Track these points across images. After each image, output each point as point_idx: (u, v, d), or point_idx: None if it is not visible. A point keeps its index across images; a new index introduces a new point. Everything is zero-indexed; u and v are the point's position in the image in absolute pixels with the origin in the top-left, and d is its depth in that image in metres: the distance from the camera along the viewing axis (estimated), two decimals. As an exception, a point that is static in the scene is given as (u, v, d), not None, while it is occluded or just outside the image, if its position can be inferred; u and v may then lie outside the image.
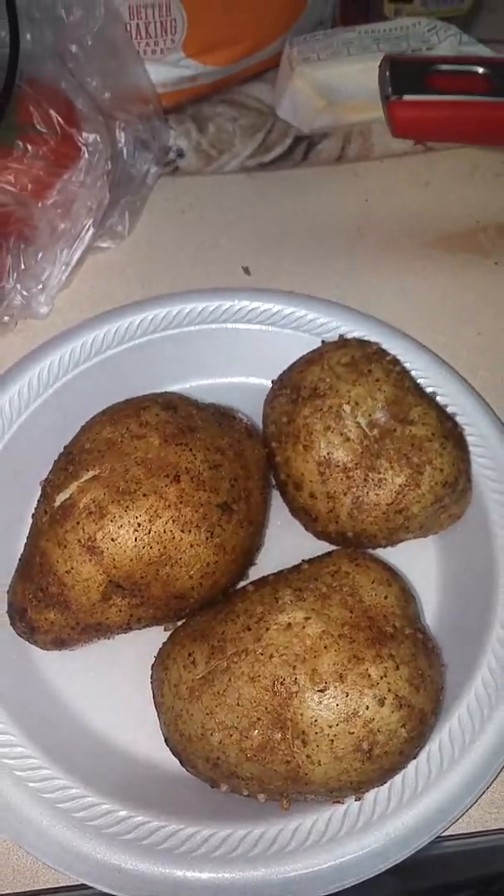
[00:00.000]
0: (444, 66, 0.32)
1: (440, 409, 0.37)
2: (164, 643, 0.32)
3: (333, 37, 0.53)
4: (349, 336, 0.41)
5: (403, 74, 0.33)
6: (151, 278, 0.48)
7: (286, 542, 0.37)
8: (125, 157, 0.48)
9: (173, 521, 0.30)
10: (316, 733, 0.27)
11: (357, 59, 0.51)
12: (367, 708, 0.27)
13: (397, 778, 0.29)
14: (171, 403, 0.33)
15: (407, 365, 0.39)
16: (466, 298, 0.47)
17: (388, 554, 0.37)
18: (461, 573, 0.37)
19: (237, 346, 0.42)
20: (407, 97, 0.32)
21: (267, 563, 0.36)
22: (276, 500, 0.38)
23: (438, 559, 0.38)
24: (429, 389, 0.39)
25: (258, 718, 0.28)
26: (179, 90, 0.53)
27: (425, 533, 0.37)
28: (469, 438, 0.38)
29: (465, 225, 0.51)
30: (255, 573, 0.35)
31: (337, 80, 0.51)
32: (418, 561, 0.37)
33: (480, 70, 0.32)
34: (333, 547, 0.36)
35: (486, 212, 0.51)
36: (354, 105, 0.51)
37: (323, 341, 0.39)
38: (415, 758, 0.29)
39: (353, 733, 0.27)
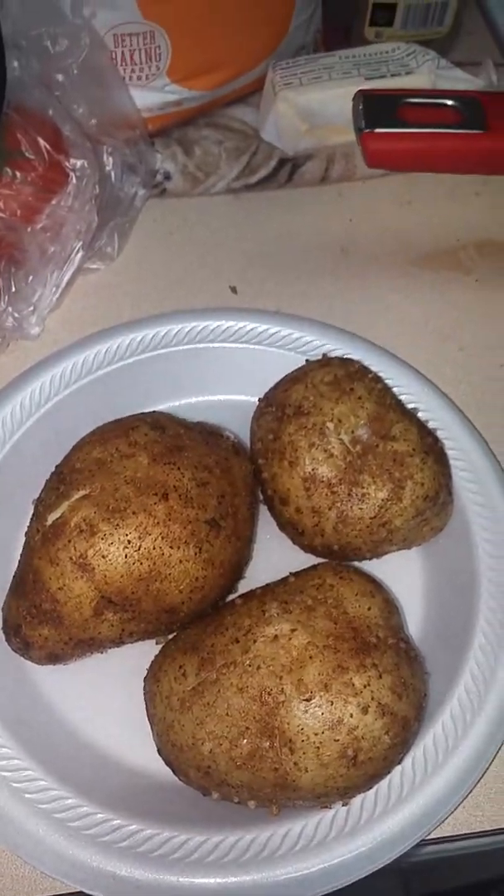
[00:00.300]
0: (415, 100, 0.33)
1: (421, 425, 0.38)
2: (156, 656, 0.33)
3: (315, 62, 0.55)
4: (333, 354, 0.42)
5: (376, 108, 0.35)
6: (140, 298, 0.49)
7: (274, 556, 0.38)
8: (113, 181, 0.50)
9: (162, 537, 0.31)
10: (303, 741, 0.28)
11: (338, 83, 0.53)
12: (352, 716, 0.28)
13: (383, 783, 0.30)
14: (159, 423, 0.34)
15: (389, 382, 0.40)
16: (448, 315, 0.49)
17: (373, 566, 0.38)
18: (444, 584, 0.38)
19: (224, 365, 0.43)
20: (379, 130, 0.33)
21: (255, 576, 0.37)
22: (265, 515, 0.39)
23: (422, 570, 0.39)
24: (410, 405, 0.40)
25: (247, 728, 0.29)
26: (165, 114, 0.54)
27: (409, 545, 0.38)
28: (450, 452, 0.39)
29: (446, 243, 0.52)
30: (244, 586, 0.36)
31: (319, 105, 0.53)
32: (403, 572, 0.38)
33: (450, 103, 0.34)
34: (320, 560, 0.36)
35: (466, 230, 0.52)
36: (336, 128, 0.53)
37: (307, 360, 0.40)
38: (399, 763, 0.30)
39: (338, 740, 0.28)
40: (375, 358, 0.42)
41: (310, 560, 0.36)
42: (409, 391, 0.41)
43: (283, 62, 0.55)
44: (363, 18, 0.59)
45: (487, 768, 0.32)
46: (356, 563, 0.37)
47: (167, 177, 0.54)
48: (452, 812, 0.31)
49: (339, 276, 0.50)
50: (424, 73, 0.52)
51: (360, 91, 0.36)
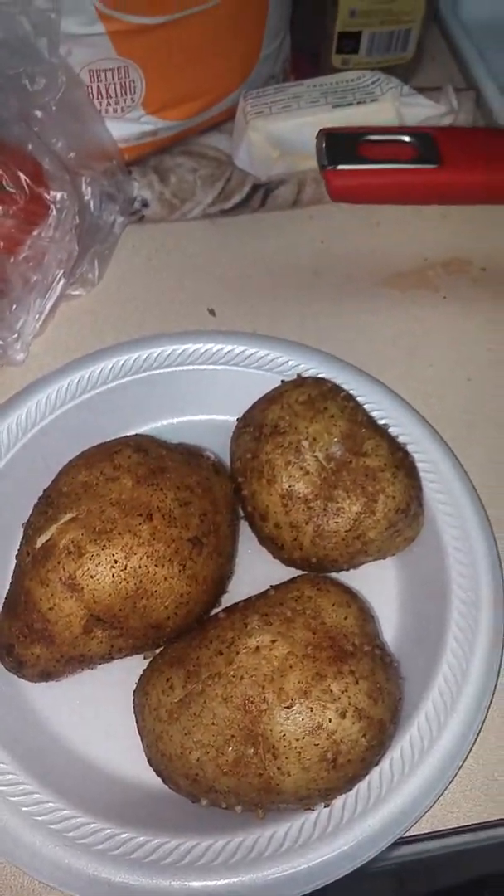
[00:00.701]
0: (374, 137, 0.35)
1: (392, 441, 0.40)
2: (144, 670, 0.34)
3: (284, 91, 0.57)
4: (307, 374, 0.44)
5: (337, 146, 0.36)
6: (122, 323, 0.51)
7: (255, 570, 0.40)
8: (92, 210, 0.51)
9: (147, 556, 0.33)
10: (285, 746, 0.30)
11: (306, 112, 0.55)
12: (330, 721, 0.30)
13: (363, 784, 0.32)
14: (142, 446, 0.36)
15: (361, 399, 0.42)
16: (418, 333, 0.51)
17: (350, 577, 0.39)
18: (418, 591, 0.39)
19: (204, 386, 0.45)
20: (341, 167, 0.35)
21: (238, 590, 0.38)
22: (246, 531, 0.40)
23: (397, 579, 0.40)
24: (382, 422, 0.42)
25: (232, 736, 0.30)
26: (141, 144, 0.56)
27: (384, 555, 0.40)
28: (420, 465, 0.41)
29: (414, 262, 0.54)
30: (227, 600, 0.37)
31: (288, 132, 0.55)
32: (379, 582, 0.40)
33: (407, 139, 0.35)
34: (300, 572, 0.38)
35: (433, 250, 0.54)
36: (306, 154, 0.55)
37: (283, 380, 0.42)
38: (377, 764, 0.32)
39: (318, 745, 0.30)
40: (347, 376, 0.44)
41: (290, 573, 0.38)
42: (380, 408, 0.43)
43: (254, 92, 0.57)
44: (330, 47, 0.62)
45: (461, 766, 0.33)
46: (334, 575, 0.39)
47: (145, 204, 0.56)
48: (429, 809, 0.32)
49: (313, 296, 0.52)
50: (388, 100, 0.55)
51: (322, 130, 0.38)
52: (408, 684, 0.35)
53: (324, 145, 0.37)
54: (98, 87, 0.52)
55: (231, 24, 0.53)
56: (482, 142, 0.36)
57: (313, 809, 0.32)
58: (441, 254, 0.54)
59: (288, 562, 0.39)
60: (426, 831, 0.33)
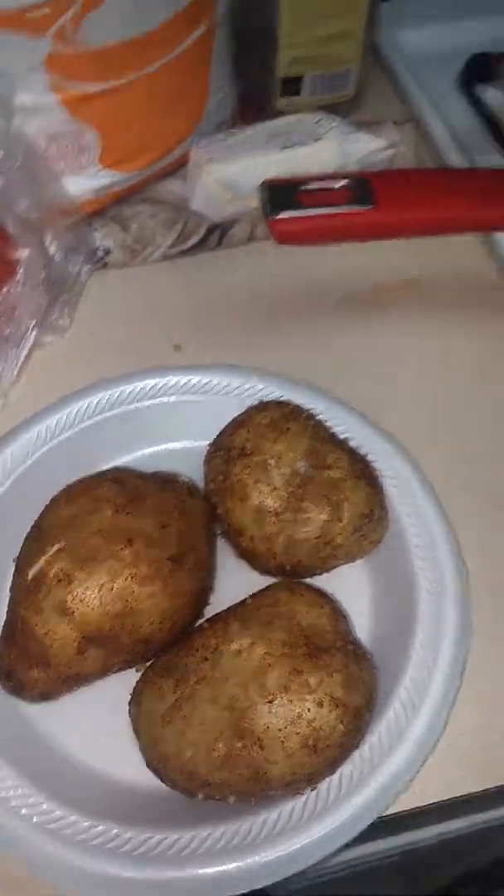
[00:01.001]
0: (311, 185, 0.38)
1: (353, 453, 0.43)
2: (137, 682, 0.37)
3: (233, 136, 0.61)
4: (270, 398, 0.47)
5: (279, 195, 0.40)
6: (94, 365, 0.53)
7: (235, 581, 0.42)
8: (58, 262, 0.55)
9: (132, 577, 0.36)
10: (269, 737, 0.33)
11: (255, 154, 0.59)
12: (309, 710, 0.33)
13: (345, 767, 0.35)
14: (120, 478, 0.39)
15: (322, 417, 0.46)
16: (374, 350, 0.54)
17: (324, 580, 0.42)
18: (389, 588, 0.42)
19: (175, 416, 0.48)
20: (283, 215, 0.38)
21: (220, 600, 0.41)
22: (224, 546, 0.43)
23: (369, 579, 0.44)
24: (343, 436, 0.45)
25: (221, 732, 0.33)
26: (100, 197, 0.60)
27: (353, 558, 0.43)
28: (382, 472, 0.44)
29: (366, 286, 0.58)
30: (210, 611, 0.40)
31: (239, 175, 0.59)
32: (351, 582, 0.43)
33: (342, 183, 0.39)
34: (276, 580, 0.41)
35: (383, 273, 0.58)
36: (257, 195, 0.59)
37: (248, 406, 0.45)
38: (356, 748, 0.35)
39: (299, 733, 0.33)
40: (309, 397, 0.47)
41: (267, 581, 0.41)
42: (341, 424, 0.46)
43: (205, 139, 0.61)
44: (274, 92, 0.66)
45: (434, 747, 0.36)
46: (309, 580, 0.42)
47: (107, 252, 0.60)
48: (407, 788, 0.35)
49: (272, 325, 0.56)
50: (332, 139, 0.59)
51: (264, 181, 0.41)
52: (382, 674, 0.38)
53: (266, 196, 0.40)
54: (55, 149, 0.56)
55: (177, 82, 0.58)
56: (413, 182, 0.40)
57: (301, 793, 0.34)
58: (391, 276, 0.58)
59: (265, 571, 0.42)
60: (403, 809, 0.36)
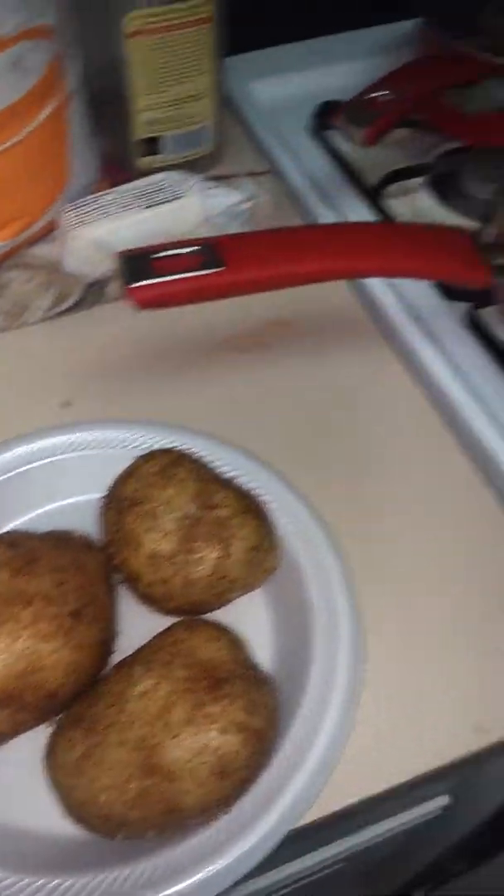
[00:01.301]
0: (164, 253, 0.41)
1: (238, 490, 0.46)
2: (49, 736, 0.38)
3: (100, 199, 0.64)
4: (157, 446, 0.49)
5: (134, 265, 0.43)
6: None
7: (138, 625, 0.44)
8: None
9: (33, 636, 0.37)
10: (179, 769, 0.35)
11: (121, 215, 0.62)
12: (213, 739, 0.35)
13: (257, 787, 0.37)
14: (15, 542, 0.40)
15: (209, 458, 0.48)
16: (251, 389, 0.57)
17: (224, 612, 0.45)
18: (287, 612, 0.45)
19: (66, 474, 0.50)
20: (139, 283, 0.41)
21: (126, 646, 0.42)
22: (126, 593, 0.45)
23: (267, 605, 0.46)
24: (230, 474, 0.48)
25: (132, 773, 0.35)
26: (-28, 268, 0.61)
27: (250, 589, 0.45)
28: (270, 505, 0.47)
29: (238, 329, 0.61)
30: (118, 657, 0.41)
31: (107, 236, 0.61)
32: (251, 611, 0.46)
33: (192, 249, 0.42)
34: (178, 618, 0.43)
35: (254, 316, 0.62)
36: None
37: (137, 456, 0.47)
38: (264, 767, 0.37)
39: (206, 762, 0.35)
40: (195, 441, 0.50)
41: (170, 620, 0.43)
42: (228, 463, 0.49)
43: (73, 202, 0.64)
44: (135, 152, 0.69)
45: (339, 756, 0.39)
46: (210, 615, 0.44)
47: (-15, 320, 0.61)
48: (316, 798, 0.38)
49: (156, 374, 0.58)
50: (194, 195, 0.62)
51: (118, 253, 0.44)
52: (286, 692, 0.40)
53: (123, 266, 0.43)
54: None
55: (38, 153, 0.60)
56: (259, 241, 0.43)
57: (217, 818, 0.36)
58: (262, 319, 0.62)
59: (165, 612, 0.44)
60: (318, 817, 0.39)
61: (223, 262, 0.41)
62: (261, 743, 0.36)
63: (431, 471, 0.54)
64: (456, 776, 0.59)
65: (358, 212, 0.67)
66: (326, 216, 0.66)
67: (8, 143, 0.57)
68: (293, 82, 0.81)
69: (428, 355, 0.56)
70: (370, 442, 0.55)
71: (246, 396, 0.57)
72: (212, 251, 0.41)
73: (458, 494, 0.52)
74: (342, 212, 0.67)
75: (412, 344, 0.57)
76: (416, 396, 0.57)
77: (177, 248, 0.41)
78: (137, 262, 0.40)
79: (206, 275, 0.40)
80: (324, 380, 0.58)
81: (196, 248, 0.41)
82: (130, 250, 0.42)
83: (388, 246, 0.44)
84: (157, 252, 0.41)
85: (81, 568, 0.41)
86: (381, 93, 0.57)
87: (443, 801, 0.65)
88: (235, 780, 0.35)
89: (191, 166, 0.70)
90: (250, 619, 0.45)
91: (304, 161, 0.72)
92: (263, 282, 0.42)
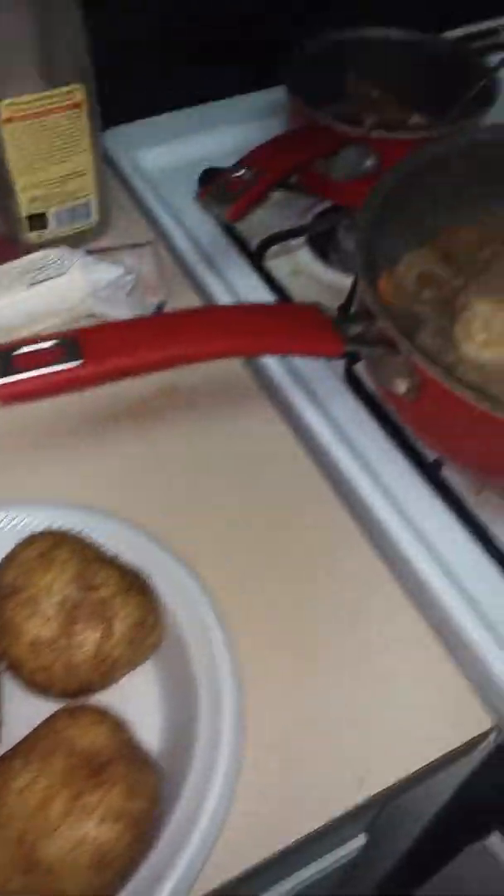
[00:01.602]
0: (24, 349, 0.42)
1: (122, 568, 0.47)
2: None
3: (-15, 277, 0.65)
4: (39, 526, 0.50)
5: None
6: None
7: (25, 712, 0.44)
8: None
9: None
10: (59, 863, 0.35)
11: (7, 293, 0.63)
12: (91, 829, 0.36)
13: (150, 860, 0.38)
14: None
15: (95, 536, 0.49)
16: (139, 458, 0.59)
17: (111, 692, 0.45)
18: (173, 688, 0.46)
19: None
20: (2, 381, 0.42)
21: (11, 734, 0.42)
22: (13, 678, 0.45)
23: (155, 682, 0.47)
24: (115, 549, 0.49)
25: (14, 868, 0.35)
26: None
27: (135, 665, 0.46)
28: (155, 580, 0.48)
29: (126, 398, 0.62)
30: (3, 747, 0.42)
31: (-7, 315, 0.62)
32: (139, 689, 0.47)
33: (52, 343, 0.43)
34: (65, 702, 0.44)
35: (140, 385, 0.62)
36: (11, 329, 0.63)
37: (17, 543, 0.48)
38: (147, 849, 0.38)
39: (85, 853, 0.35)
40: (80, 519, 0.50)
41: (58, 705, 0.43)
42: (114, 540, 0.50)
43: (-42, 282, 0.65)
44: (22, 228, 0.71)
45: (223, 824, 0.40)
46: (98, 695, 0.45)
47: None
48: (204, 865, 0.39)
49: (38, 450, 0.59)
50: (77, 271, 0.64)
51: None
52: (173, 769, 0.42)
53: None
54: None
55: None
56: (117, 333, 0.45)
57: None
58: (155, 382, 0.63)
59: (52, 697, 0.44)
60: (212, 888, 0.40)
61: (82, 354, 0.42)
62: (141, 827, 0.37)
63: (319, 530, 0.56)
64: (366, 817, 0.61)
65: (242, 274, 0.70)
66: (211, 282, 0.68)
67: None
68: (177, 150, 0.84)
69: (308, 413, 0.59)
70: (257, 506, 0.57)
71: (130, 465, 0.58)
72: (72, 344, 0.42)
73: (341, 553, 0.54)
74: (226, 276, 0.70)
75: (295, 404, 0.60)
76: (300, 455, 0.59)
77: (37, 343, 0.42)
78: (-1, 358, 0.41)
79: (65, 369, 0.42)
80: (211, 444, 0.60)
81: (56, 341, 0.42)
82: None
83: (244, 327, 0.46)
84: (18, 348, 0.42)
85: (-39, 663, 0.42)
86: (242, 171, 0.59)
87: (360, 840, 0.66)
88: (116, 868, 0.36)
89: (79, 239, 0.72)
90: (138, 695, 0.46)
91: (190, 227, 0.75)
92: (123, 371, 0.44)
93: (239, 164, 0.61)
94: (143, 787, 0.38)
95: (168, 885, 0.38)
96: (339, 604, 0.52)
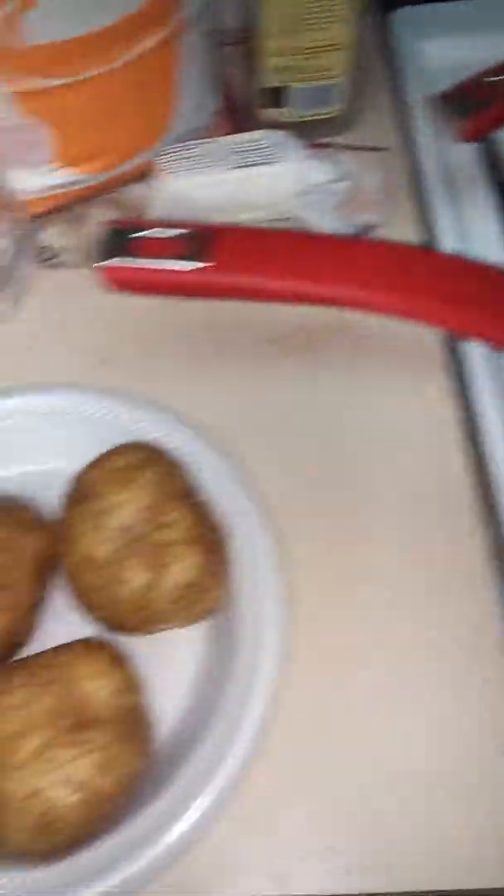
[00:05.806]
0: (146, 233, 0.35)
1: (199, 514, 0.41)
2: None
3: (197, 148, 0.58)
4: (149, 433, 0.45)
5: (112, 241, 0.37)
6: (20, 367, 0.53)
7: (64, 626, 0.42)
8: (6, 253, 0.55)
9: None
10: (8, 802, 0.33)
11: (207, 171, 0.56)
12: (47, 788, 0.32)
13: (100, 848, 0.34)
14: None
15: (191, 461, 0.44)
16: (287, 398, 0.51)
17: (154, 640, 0.41)
18: (216, 659, 0.41)
19: (53, 436, 0.47)
20: (112, 262, 0.35)
21: (45, 642, 0.40)
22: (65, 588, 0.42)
23: (201, 644, 0.42)
24: (211, 492, 0.43)
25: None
26: (54, 195, 0.59)
27: (182, 624, 0.41)
28: (234, 535, 0.42)
29: (291, 327, 0.54)
30: (32, 650, 0.39)
31: (189, 191, 0.56)
32: (182, 647, 0.42)
33: (178, 233, 0.36)
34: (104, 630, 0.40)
35: (315, 312, 0.54)
36: (208, 211, 0.56)
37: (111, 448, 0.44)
38: (101, 834, 0.34)
39: (34, 809, 0.32)
40: (189, 443, 0.45)
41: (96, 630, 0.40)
42: (209, 474, 0.44)
43: (170, 147, 0.59)
44: (257, 102, 0.63)
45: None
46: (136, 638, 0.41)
47: (56, 254, 0.59)
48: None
49: (197, 356, 0.53)
50: (287, 163, 0.56)
51: (106, 222, 0.39)
52: (178, 748, 0.37)
53: (103, 238, 0.38)
54: (6, 141, 0.55)
55: (139, 84, 0.55)
56: (262, 243, 0.37)
57: (33, 867, 0.34)
58: (322, 319, 0.54)
59: (92, 621, 0.41)
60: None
61: (213, 256, 0.34)
62: (100, 807, 0.33)
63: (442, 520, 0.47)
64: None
65: (482, 216, 0.58)
66: (440, 216, 0.57)
67: (107, 67, 0.53)
68: (478, 44, 0.69)
69: (490, 411, 0.48)
70: (382, 481, 0.48)
71: (268, 402, 0.51)
72: (203, 240, 0.35)
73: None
74: (463, 214, 0.57)
75: (480, 400, 0.48)
76: (456, 457, 0.49)
77: (161, 228, 0.35)
78: (115, 238, 0.35)
79: (184, 269, 0.35)
80: (361, 408, 0.51)
81: (184, 232, 0.35)
82: (119, 220, 0.37)
83: (425, 286, 0.36)
84: (139, 229, 0.35)
85: (9, 550, 0.39)
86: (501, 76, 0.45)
87: None
88: (57, 840, 0.33)
89: (313, 128, 0.63)
90: (178, 654, 0.42)
91: (442, 143, 0.62)
92: (251, 292, 0.36)
93: (501, 67, 0.47)
94: (118, 766, 0.34)
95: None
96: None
